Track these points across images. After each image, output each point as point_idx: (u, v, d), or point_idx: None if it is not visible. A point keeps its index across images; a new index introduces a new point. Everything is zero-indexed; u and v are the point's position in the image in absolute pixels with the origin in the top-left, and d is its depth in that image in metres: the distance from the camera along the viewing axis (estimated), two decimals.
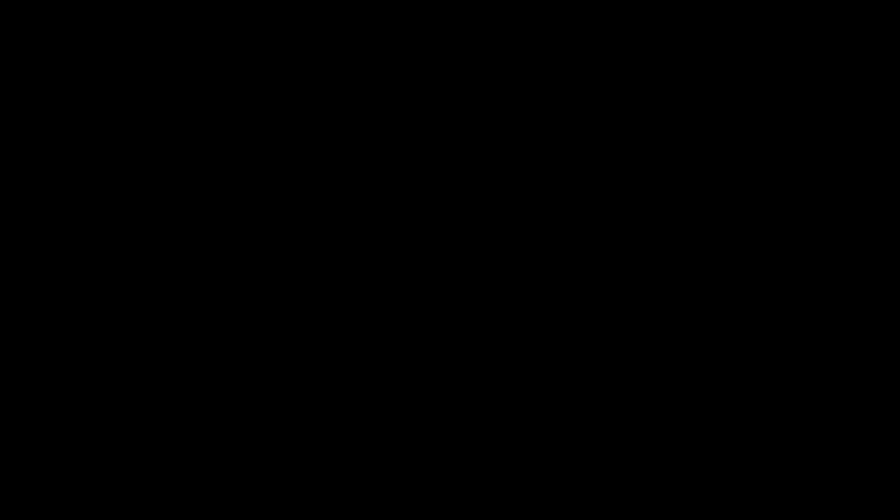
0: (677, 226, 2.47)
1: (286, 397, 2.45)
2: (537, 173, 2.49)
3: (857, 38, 2.47)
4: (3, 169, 2.47)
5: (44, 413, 2.44)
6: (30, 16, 2.49)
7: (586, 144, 2.49)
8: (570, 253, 2.47)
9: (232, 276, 2.47)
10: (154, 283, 2.46)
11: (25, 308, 2.45)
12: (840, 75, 2.48)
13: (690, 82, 2.48)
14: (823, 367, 2.44)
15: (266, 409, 2.45)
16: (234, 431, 2.45)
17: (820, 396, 2.43)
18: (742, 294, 2.45)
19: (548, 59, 2.50)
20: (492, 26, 2.50)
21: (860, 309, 2.44)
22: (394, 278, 2.47)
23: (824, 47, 2.48)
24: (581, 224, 2.48)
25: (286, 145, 2.49)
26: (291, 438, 2.44)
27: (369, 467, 2.44)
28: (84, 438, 2.43)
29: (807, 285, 2.45)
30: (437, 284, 2.47)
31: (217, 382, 2.45)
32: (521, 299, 2.47)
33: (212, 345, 2.46)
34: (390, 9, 2.50)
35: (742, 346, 2.45)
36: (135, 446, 2.43)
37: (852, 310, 2.45)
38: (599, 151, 2.49)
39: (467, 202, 2.49)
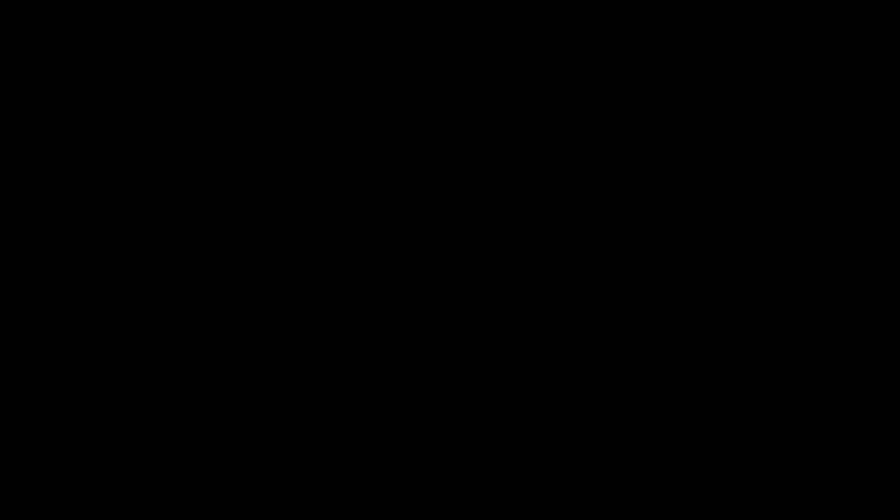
0: (677, 226, 2.47)
1: (286, 397, 2.45)
2: (537, 173, 2.49)
3: (857, 38, 2.47)
4: (3, 169, 2.48)
5: (44, 413, 2.44)
6: (30, 16, 2.49)
7: (586, 144, 2.49)
8: (571, 253, 2.47)
9: (232, 276, 2.47)
10: (154, 283, 2.46)
11: (25, 308, 2.45)
12: (840, 75, 2.48)
13: (690, 82, 2.49)
14: (823, 367, 2.44)
15: (266, 410, 2.45)
16: (235, 431, 2.45)
17: (820, 396, 2.43)
18: (742, 294, 2.46)
19: (548, 59, 2.50)
20: (492, 26, 2.50)
21: (860, 309, 2.45)
22: (394, 278, 2.48)
23: (824, 47, 2.48)
24: (581, 224, 2.48)
25: (286, 145, 2.49)
26: (291, 438, 2.44)
27: (369, 467, 2.44)
28: (84, 438, 2.43)
29: (807, 285, 2.45)
30: (437, 284, 2.47)
31: (217, 382, 2.45)
32: (522, 299, 2.47)
33: (212, 345, 2.46)
34: (390, 9, 2.50)
35: (742, 346, 2.45)
36: (135, 446, 2.43)
37: (852, 310, 2.45)
38: (599, 151, 2.49)
39: (467, 202, 2.49)
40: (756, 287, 2.45)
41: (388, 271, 2.47)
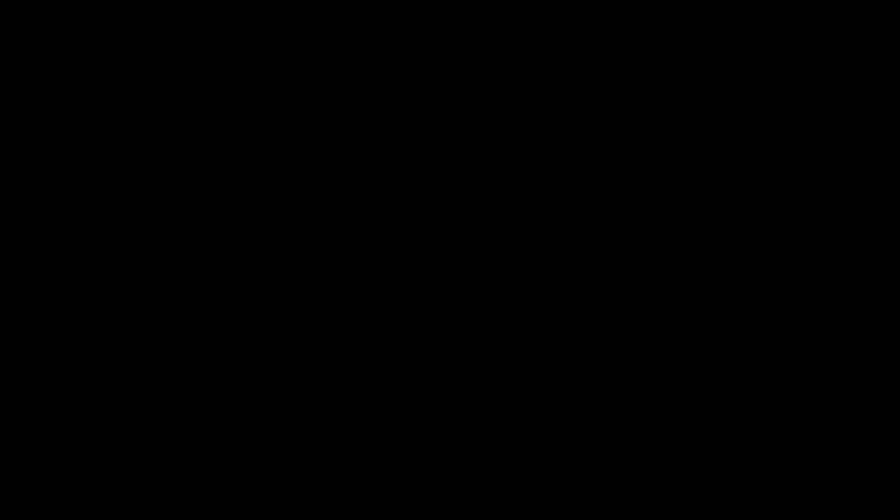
0: (677, 226, 2.47)
1: (286, 397, 2.46)
2: (537, 173, 2.49)
3: (857, 38, 2.47)
4: (3, 169, 2.48)
5: (44, 413, 2.44)
6: (30, 16, 2.49)
7: (586, 145, 2.49)
8: (571, 253, 2.47)
9: (232, 276, 2.47)
10: (154, 284, 2.47)
11: (25, 308, 2.46)
12: (840, 75, 2.48)
13: (690, 82, 2.49)
14: (823, 367, 2.44)
15: (266, 410, 2.45)
16: (235, 431, 2.45)
17: (820, 396, 2.43)
18: (742, 294, 2.46)
19: (548, 60, 2.50)
20: (492, 26, 2.50)
21: (860, 309, 2.45)
22: (393, 278, 2.48)
23: (824, 47, 2.48)
24: (581, 224, 2.48)
25: (286, 145, 2.50)
26: (291, 439, 2.45)
27: (369, 467, 2.44)
28: (84, 438, 2.44)
29: (807, 285, 2.46)
30: (437, 284, 2.47)
31: (217, 382, 2.45)
32: (522, 299, 2.47)
33: (212, 345, 2.46)
34: (390, 9, 2.50)
35: (742, 346, 2.45)
36: (135, 446, 2.44)
37: (852, 310, 2.45)
38: (599, 151, 2.49)
39: (467, 202, 2.49)
40: (756, 287, 2.46)
41: (387, 271, 2.48)
